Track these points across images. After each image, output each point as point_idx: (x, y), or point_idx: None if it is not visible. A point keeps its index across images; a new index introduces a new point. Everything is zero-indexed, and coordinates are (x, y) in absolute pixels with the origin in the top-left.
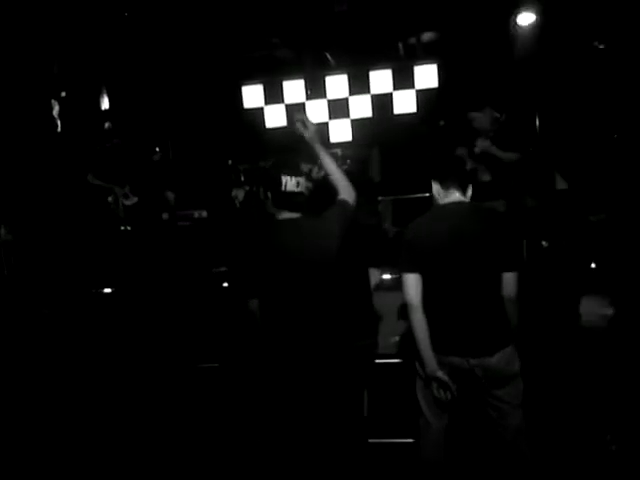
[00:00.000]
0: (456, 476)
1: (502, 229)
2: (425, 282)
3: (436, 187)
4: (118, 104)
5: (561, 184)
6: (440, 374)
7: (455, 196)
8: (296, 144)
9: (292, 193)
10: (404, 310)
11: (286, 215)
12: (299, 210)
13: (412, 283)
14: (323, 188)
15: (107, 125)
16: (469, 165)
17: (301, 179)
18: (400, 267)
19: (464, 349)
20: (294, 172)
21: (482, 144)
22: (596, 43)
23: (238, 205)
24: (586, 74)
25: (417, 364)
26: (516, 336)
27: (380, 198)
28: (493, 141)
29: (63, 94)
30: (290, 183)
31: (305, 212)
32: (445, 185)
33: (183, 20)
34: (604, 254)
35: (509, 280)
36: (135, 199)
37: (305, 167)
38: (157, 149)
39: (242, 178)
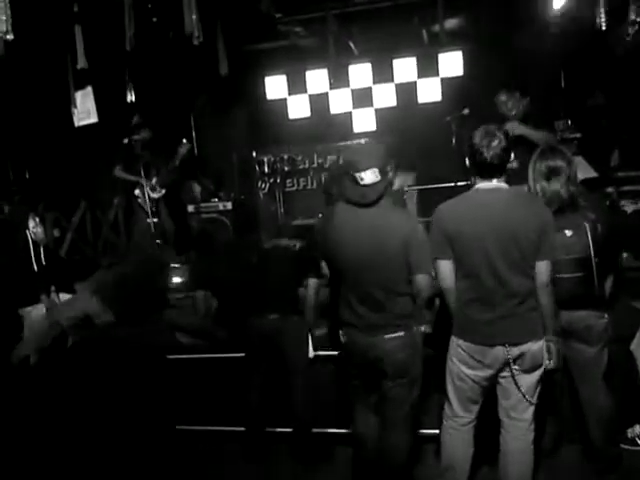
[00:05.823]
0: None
1: (540, 217)
2: (459, 269)
3: (472, 172)
4: (144, 97)
5: (589, 172)
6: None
7: (492, 181)
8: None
9: (372, 184)
10: (430, 301)
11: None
12: (377, 202)
13: (447, 270)
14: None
15: (135, 120)
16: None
17: (376, 170)
18: (432, 253)
19: (508, 338)
20: (367, 166)
21: (511, 126)
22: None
23: (262, 197)
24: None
25: (450, 355)
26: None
27: (406, 188)
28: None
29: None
30: (368, 176)
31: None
32: (481, 170)
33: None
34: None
35: (542, 268)
36: (162, 192)
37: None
38: (184, 140)
39: (265, 170)
